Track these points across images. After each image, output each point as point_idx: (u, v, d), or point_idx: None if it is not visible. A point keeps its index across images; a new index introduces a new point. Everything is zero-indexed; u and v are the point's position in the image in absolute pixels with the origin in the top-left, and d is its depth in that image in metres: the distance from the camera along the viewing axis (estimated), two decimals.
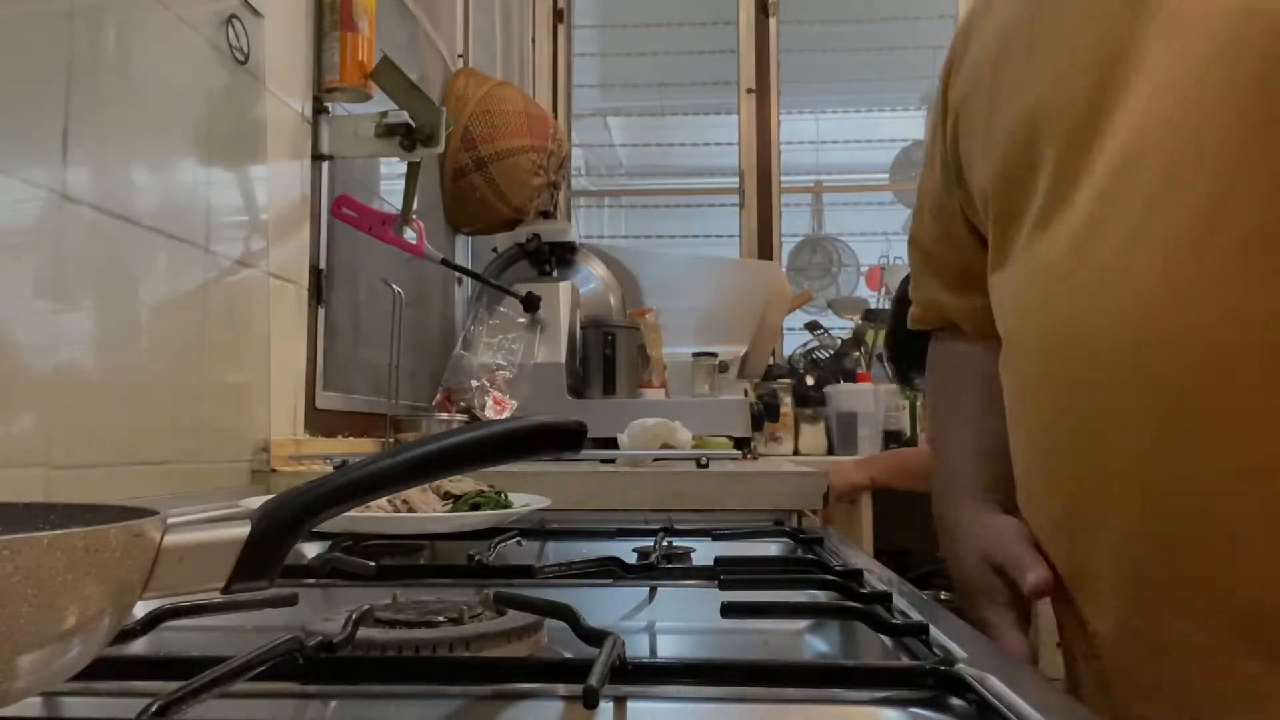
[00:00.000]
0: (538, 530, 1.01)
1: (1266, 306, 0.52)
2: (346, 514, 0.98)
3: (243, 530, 0.40)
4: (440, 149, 1.49)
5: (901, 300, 1.89)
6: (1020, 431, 0.70)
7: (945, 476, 0.85)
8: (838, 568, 0.75)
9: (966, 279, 0.81)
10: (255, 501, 0.98)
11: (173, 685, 0.41)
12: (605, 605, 0.74)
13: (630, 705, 0.46)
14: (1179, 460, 0.55)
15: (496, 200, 2.09)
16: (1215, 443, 0.54)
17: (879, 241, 3.60)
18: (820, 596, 0.70)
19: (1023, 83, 0.68)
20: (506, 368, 1.89)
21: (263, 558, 0.40)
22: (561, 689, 0.47)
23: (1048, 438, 0.66)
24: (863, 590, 0.66)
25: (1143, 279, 0.57)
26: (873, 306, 2.96)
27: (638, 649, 0.66)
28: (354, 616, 0.56)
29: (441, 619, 0.59)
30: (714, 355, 2.07)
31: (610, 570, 0.76)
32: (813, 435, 2.55)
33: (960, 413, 0.86)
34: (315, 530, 1.01)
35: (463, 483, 1.00)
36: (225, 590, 0.40)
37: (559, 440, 0.46)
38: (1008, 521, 0.74)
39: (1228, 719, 0.55)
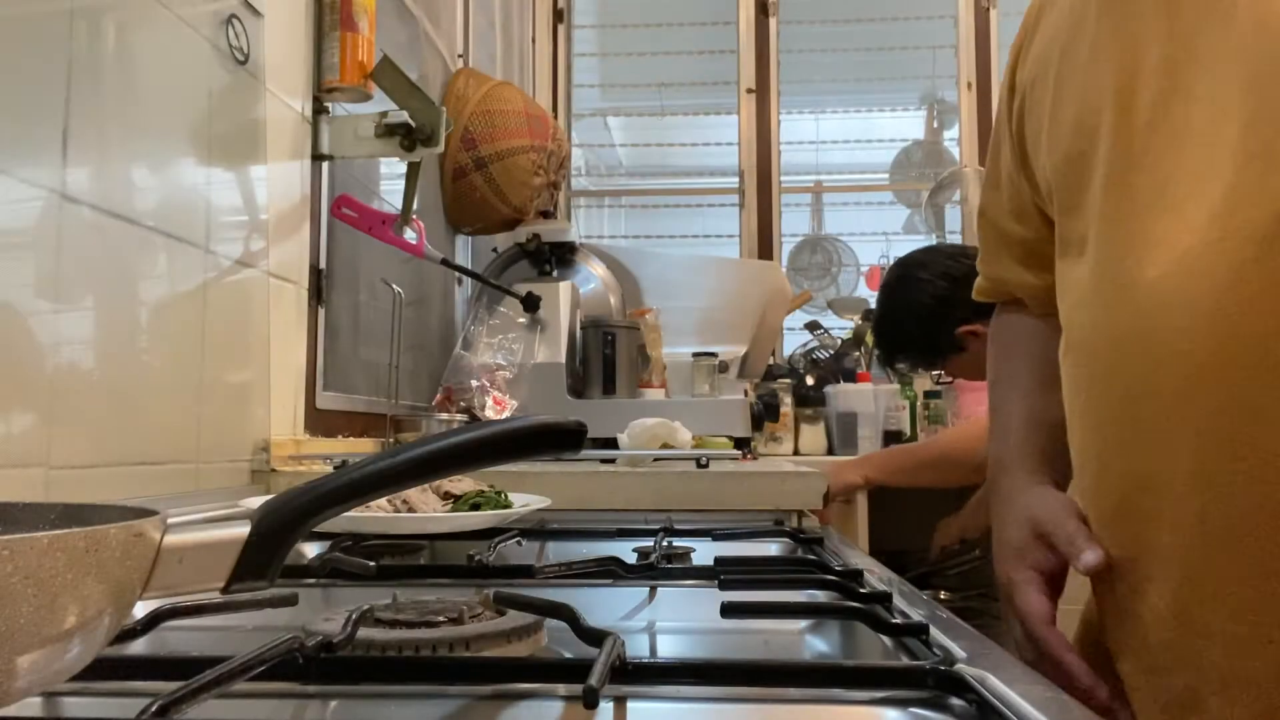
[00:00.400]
0: (538, 530, 1.01)
1: None
2: (346, 514, 0.97)
3: (243, 530, 0.40)
4: (440, 149, 1.49)
5: (889, 285, 1.89)
6: (1078, 422, 0.72)
7: (1001, 447, 0.87)
8: (838, 568, 0.75)
9: (1035, 256, 0.82)
10: (255, 501, 0.98)
11: (173, 685, 0.41)
12: (605, 605, 0.74)
13: (630, 705, 0.46)
14: (1235, 466, 0.57)
15: (496, 200, 2.09)
16: (1271, 450, 0.56)
17: (879, 241, 3.60)
18: (820, 596, 0.70)
19: (1088, 73, 0.68)
20: (506, 368, 1.89)
21: (263, 557, 0.40)
22: (561, 689, 0.48)
23: (1105, 432, 0.67)
24: (863, 590, 0.66)
25: (1209, 289, 0.58)
26: (873, 306, 2.96)
27: (638, 649, 0.66)
28: (354, 616, 0.56)
29: (441, 619, 0.59)
30: (714, 355, 2.07)
31: (610, 570, 0.76)
32: (813, 435, 2.55)
33: (1019, 387, 0.88)
34: (315, 530, 1.00)
35: (463, 483, 1.00)
36: (225, 590, 0.39)
37: (559, 440, 0.46)
38: (1060, 496, 0.77)
39: (1269, 700, 0.57)
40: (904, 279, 1.84)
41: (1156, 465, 0.62)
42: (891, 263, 2.09)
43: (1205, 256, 0.58)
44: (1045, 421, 0.81)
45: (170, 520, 0.39)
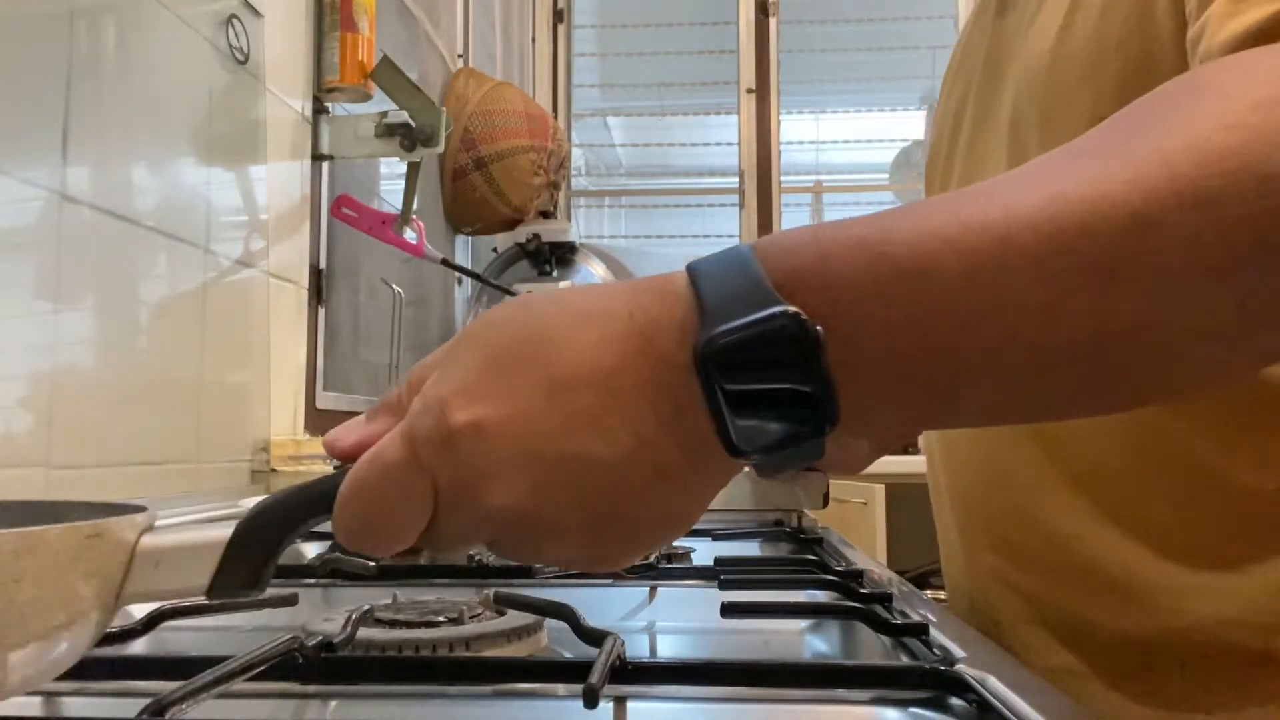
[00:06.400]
0: None
1: None
2: None
3: (226, 532, 0.36)
4: (440, 149, 1.49)
5: None
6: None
7: None
8: (838, 568, 0.75)
9: None
10: (254, 502, 0.98)
11: (172, 685, 0.41)
12: (605, 605, 0.74)
13: (630, 705, 0.46)
14: (966, 496, 0.83)
15: (496, 200, 2.09)
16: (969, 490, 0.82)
17: None
18: (820, 596, 0.70)
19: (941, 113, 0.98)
20: None
21: (250, 563, 0.36)
22: (561, 689, 0.48)
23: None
24: (863, 590, 0.66)
25: None
26: None
27: (638, 649, 0.66)
28: (354, 616, 0.56)
29: (441, 619, 0.59)
30: None
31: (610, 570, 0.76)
32: None
33: None
34: (315, 530, 1.00)
35: None
36: (210, 596, 0.36)
37: None
38: None
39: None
40: None
41: (939, 489, 0.88)
42: None
43: None
44: None
45: (159, 522, 0.38)
